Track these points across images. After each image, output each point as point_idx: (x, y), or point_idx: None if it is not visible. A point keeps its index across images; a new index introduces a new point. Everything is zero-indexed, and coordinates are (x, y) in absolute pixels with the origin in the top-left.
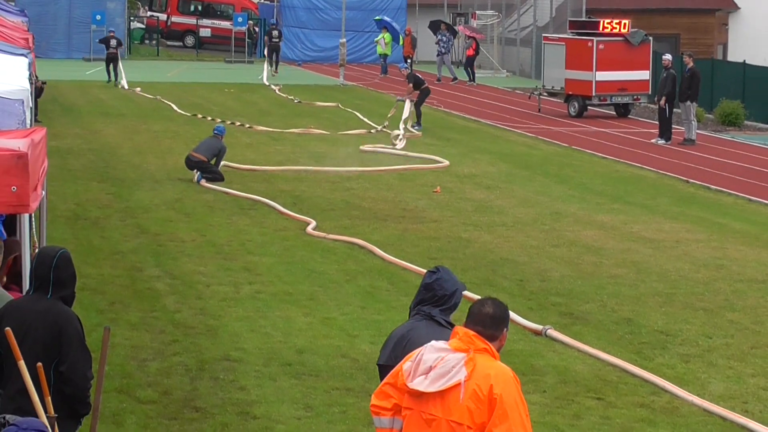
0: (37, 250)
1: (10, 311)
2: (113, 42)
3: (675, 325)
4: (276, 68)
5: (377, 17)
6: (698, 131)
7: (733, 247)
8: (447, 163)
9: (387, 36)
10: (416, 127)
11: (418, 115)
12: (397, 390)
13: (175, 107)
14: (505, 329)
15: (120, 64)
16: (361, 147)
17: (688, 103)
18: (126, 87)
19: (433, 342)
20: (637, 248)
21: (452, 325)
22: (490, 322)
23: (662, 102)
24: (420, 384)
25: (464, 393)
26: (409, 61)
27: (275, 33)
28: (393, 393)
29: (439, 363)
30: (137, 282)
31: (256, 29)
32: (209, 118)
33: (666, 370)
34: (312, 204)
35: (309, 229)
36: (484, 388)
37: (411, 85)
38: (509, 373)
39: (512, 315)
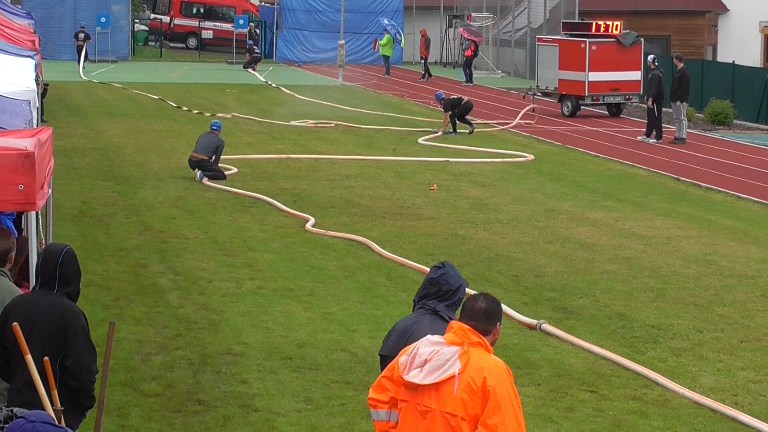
0: (43, 247)
1: (17, 307)
2: (81, 35)
3: (666, 319)
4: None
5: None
6: (689, 130)
7: (723, 243)
8: (532, 157)
9: (385, 38)
10: (451, 134)
11: (454, 124)
12: (394, 383)
13: (182, 107)
14: (498, 323)
15: (82, 55)
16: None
17: (678, 103)
18: (83, 77)
19: (428, 336)
20: (629, 244)
21: None
22: (483, 317)
23: (649, 103)
24: (415, 377)
25: (458, 385)
26: (423, 61)
27: (255, 48)
28: (389, 386)
29: (434, 356)
30: (141, 278)
31: (257, 31)
32: (219, 114)
33: (657, 364)
34: (312, 202)
35: (308, 226)
36: (477, 381)
37: (447, 114)
38: (502, 366)
39: (507, 310)
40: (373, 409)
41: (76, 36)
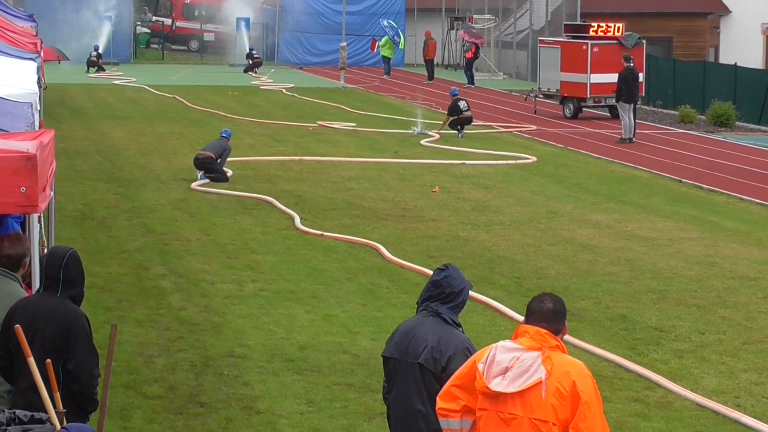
0: (46, 250)
1: (21, 309)
2: (93, 53)
3: (668, 321)
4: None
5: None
6: (691, 132)
7: (725, 245)
8: (534, 159)
9: (384, 39)
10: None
11: (453, 126)
12: (466, 391)
13: (187, 102)
14: (566, 320)
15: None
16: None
17: (620, 103)
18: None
19: (502, 342)
20: (631, 246)
21: (459, 325)
22: (552, 317)
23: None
24: (498, 385)
25: (546, 391)
26: (429, 63)
27: (255, 53)
28: (461, 394)
29: (515, 363)
30: (143, 280)
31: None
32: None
33: (660, 366)
34: (314, 204)
35: (297, 223)
36: (566, 385)
37: (448, 117)
38: (585, 369)
39: (510, 312)
40: (443, 418)
41: (89, 60)
